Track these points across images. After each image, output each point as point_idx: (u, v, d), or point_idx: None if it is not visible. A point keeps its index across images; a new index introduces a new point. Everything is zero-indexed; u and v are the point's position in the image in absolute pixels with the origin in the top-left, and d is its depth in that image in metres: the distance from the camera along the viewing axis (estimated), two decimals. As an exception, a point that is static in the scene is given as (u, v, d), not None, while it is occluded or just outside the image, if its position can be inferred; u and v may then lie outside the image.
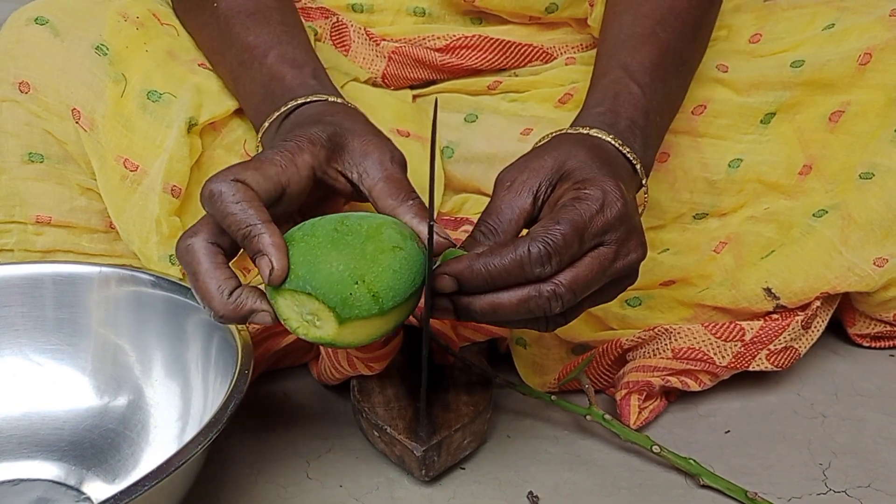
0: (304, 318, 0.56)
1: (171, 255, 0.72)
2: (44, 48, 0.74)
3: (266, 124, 0.68)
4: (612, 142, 0.64)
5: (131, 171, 0.72)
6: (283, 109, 0.67)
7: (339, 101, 0.67)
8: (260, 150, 0.69)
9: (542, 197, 0.60)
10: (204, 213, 0.74)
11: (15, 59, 0.74)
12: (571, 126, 0.66)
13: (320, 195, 0.64)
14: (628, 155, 0.64)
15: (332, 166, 0.62)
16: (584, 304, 0.59)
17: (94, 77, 0.73)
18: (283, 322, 0.57)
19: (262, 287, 0.58)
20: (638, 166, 0.65)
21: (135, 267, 0.73)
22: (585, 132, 0.64)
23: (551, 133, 0.66)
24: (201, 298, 0.57)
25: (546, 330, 0.60)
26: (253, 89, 0.72)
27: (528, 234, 0.57)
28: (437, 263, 0.58)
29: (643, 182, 0.66)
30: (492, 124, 0.82)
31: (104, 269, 0.72)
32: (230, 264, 0.59)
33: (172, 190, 0.72)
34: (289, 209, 0.61)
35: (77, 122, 0.73)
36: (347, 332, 0.56)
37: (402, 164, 0.62)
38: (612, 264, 0.58)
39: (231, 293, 0.56)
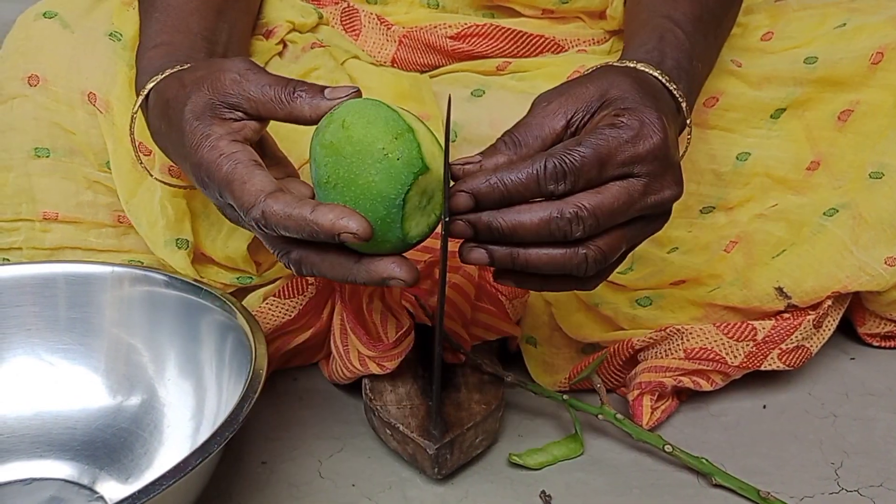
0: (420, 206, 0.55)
1: (177, 239, 0.72)
2: (54, 39, 0.74)
3: (133, 109, 0.67)
4: (660, 77, 0.63)
5: (145, 155, 0.72)
6: (140, 99, 0.66)
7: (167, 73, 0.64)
8: (133, 129, 0.68)
9: (577, 123, 0.58)
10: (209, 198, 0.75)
11: (24, 55, 0.75)
12: (618, 60, 0.65)
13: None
14: (675, 92, 0.63)
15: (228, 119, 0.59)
16: (617, 241, 0.57)
17: (109, 61, 0.74)
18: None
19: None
20: (683, 105, 0.63)
21: (148, 267, 0.73)
22: (633, 65, 0.63)
23: (596, 64, 0.64)
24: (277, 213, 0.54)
25: (583, 287, 0.58)
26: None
27: (549, 150, 0.56)
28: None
29: (688, 122, 0.65)
30: (498, 99, 0.80)
31: (117, 268, 0.72)
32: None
33: (170, 170, 0.72)
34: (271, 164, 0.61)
35: (94, 105, 0.73)
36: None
37: (251, 67, 0.60)
38: (643, 198, 0.56)
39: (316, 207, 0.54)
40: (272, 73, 0.59)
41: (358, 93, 0.57)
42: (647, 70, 0.63)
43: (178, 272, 0.72)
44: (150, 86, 0.64)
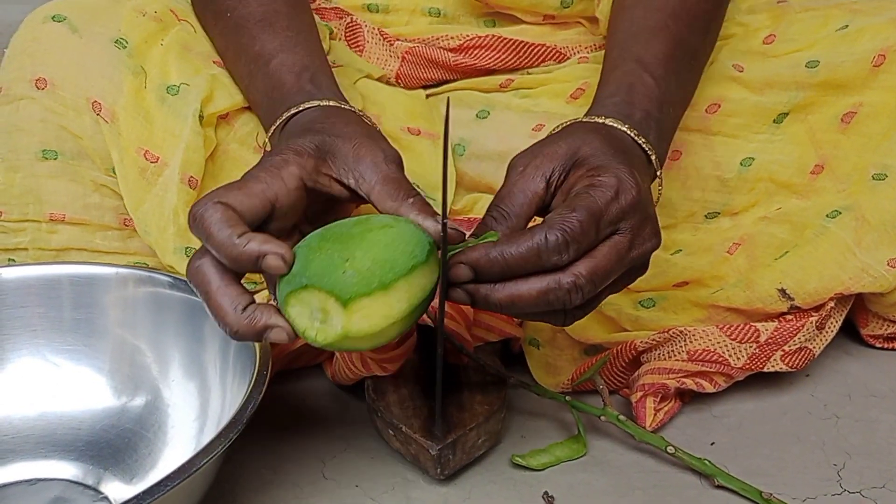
0: (315, 320, 0.55)
1: (186, 248, 0.72)
2: (62, 44, 0.74)
3: (269, 134, 0.68)
4: (628, 132, 0.63)
5: (152, 162, 0.72)
6: (279, 120, 0.67)
7: (333, 103, 0.66)
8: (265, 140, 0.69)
9: (555, 182, 0.59)
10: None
11: (32, 57, 0.75)
12: (586, 115, 0.65)
13: (322, 204, 0.63)
14: (644, 145, 0.64)
15: (323, 174, 0.61)
16: (601, 296, 0.59)
17: (114, 69, 0.74)
18: (300, 335, 0.56)
19: (273, 304, 0.57)
20: (653, 157, 0.64)
21: (152, 268, 0.73)
22: (601, 121, 0.64)
23: (565, 122, 0.65)
24: (215, 316, 0.56)
25: (563, 324, 0.60)
26: (258, 99, 0.72)
27: (543, 222, 0.56)
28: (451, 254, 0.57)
29: (658, 173, 0.65)
30: (503, 121, 0.82)
31: (121, 269, 0.72)
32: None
33: (189, 181, 0.72)
34: (285, 224, 0.60)
35: (98, 114, 0.73)
36: (358, 317, 0.54)
37: (398, 162, 0.61)
38: (629, 253, 0.58)
39: (244, 308, 0.55)
40: (393, 171, 0.60)
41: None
42: (615, 125, 0.63)
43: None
44: (294, 109, 0.66)
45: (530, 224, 0.59)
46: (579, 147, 0.60)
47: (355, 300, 0.53)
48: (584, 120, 0.65)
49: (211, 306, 0.56)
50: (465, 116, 0.81)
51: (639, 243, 0.58)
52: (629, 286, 0.76)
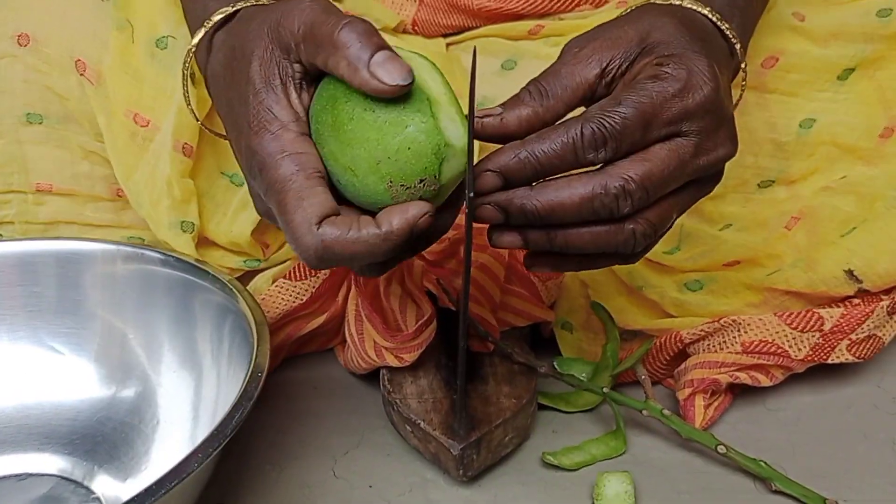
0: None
1: (182, 222, 0.67)
2: None
3: (195, 41, 0.59)
4: (710, 15, 0.56)
5: (142, 126, 0.67)
6: (211, 22, 0.58)
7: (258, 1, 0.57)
8: (189, 65, 0.61)
9: (613, 72, 0.52)
10: (220, 180, 0.69)
11: (14, 11, 0.70)
12: None
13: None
14: (727, 32, 0.56)
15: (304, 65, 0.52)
16: (668, 211, 0.51)
17: (98, 24, 0.68)
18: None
19: None
20: (738, 46, 0.57)
21: (144, 244, 0.69)
22: (678, 3, 0.56)
23: (635, 5, 0.58)
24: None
25: (634, 250, 0.51)
26: (188, 3, 0.64)
27: (583, 112, 0.50)
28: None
29: (742, 66, 0.58)
30: (532, 72, 0.73)
31: (108, 245, 0.68)
32: None
33: (184, 148, 0.66)
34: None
35: (82, 75, 0.68)
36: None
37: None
38: (694, 160, 0.50)
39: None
40: (328, 6, 0.51)
41: (406, 87, 0.48)
42: (694, 8, 0.56)
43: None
44: (217, 17, 0.57)
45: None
46: (649, 32, 0.52)
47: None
48: (659, 2, 0.57)
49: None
50: (489, 68, 0.74)
51: (708, 148, 0.51)
52: (672, 265, 0.70)
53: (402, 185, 0.48)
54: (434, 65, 0.51)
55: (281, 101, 0.51)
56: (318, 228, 0.48)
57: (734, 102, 0.57)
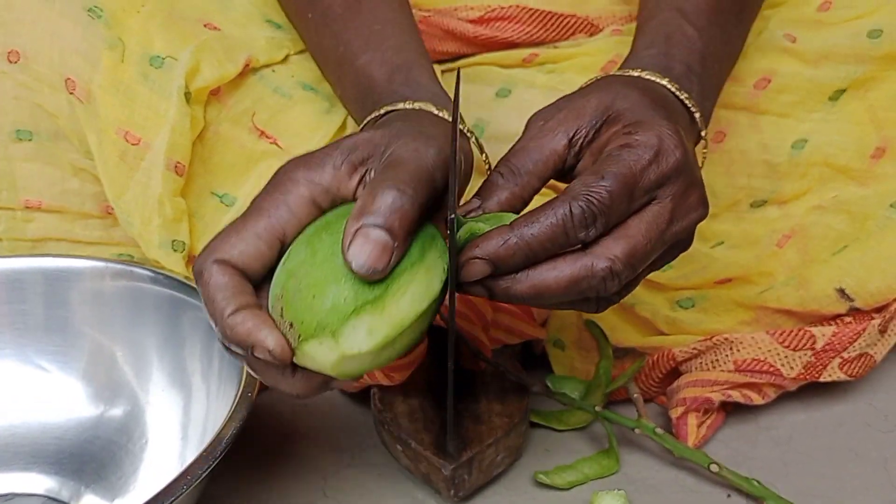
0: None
1: (173, 241, 0.66)
2: (35, 12, 0.68)
3: (368, 119, 0.59)
4: (668, 85, 0.56)
5: (133, 144, 0.67)
6: (368, 119, 0.58)
7: (421, 106, 0.57)
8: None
9: (580, 141, 0.52)
10: (210, 200, 0.69)
11: (4, 27, 0.69)
12: (619, 69, 0.58)
13: None
14: (686, 101, 0.56)
15: (353, 178, 0.51)
16: (639, 278, 0.52)
17: (88, 43, 0.67)
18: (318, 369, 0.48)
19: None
20: (697, 115, 0.57)
21: (135, 261, 0.68)
22: (636, 74, 0.56)
23: (594, 77, 0.58)
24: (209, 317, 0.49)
25: (596, 311, 0.52)
26: (351, 94, 0.64)
27: (565, 190, 0.49)
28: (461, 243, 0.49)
29: (702, 134, 0.58)
30: (526, 100, 0.74)
31: (97, 263, 0.67)
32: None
33: (176, 167, 0.66)
34: None
35: (72, 93, 0.67)
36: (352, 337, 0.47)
37: (437, 161, 0.50)
38: (670, 226, 0.50)
39: (235, 311, 0.47)
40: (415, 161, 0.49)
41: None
42: (653, 79, 0.56)
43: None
44: (388, 109, 0.57)
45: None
46: (613, 101, 0.52)
47: (344, 323, 0.46)
48: (617, 73, 0.57)
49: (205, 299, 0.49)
50: (483, 95, 0.74)
51: (681, 214, 0.51)
52: (664, 283, 0.70)
53: None
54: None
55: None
56: (211, 261, 0.48)
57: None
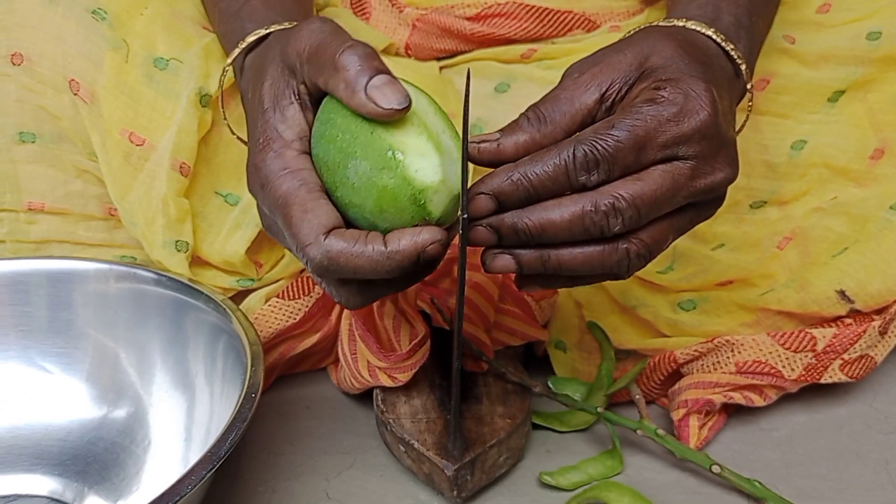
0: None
1: (177, 241, 0.67)
2: (38, 15, 0.68)
3: (230, 60, 0.61)
4: (714, 36, 0.55)
5: (137, 145, 0.67)
6: (237, 50, 0.60)
7: (285, 26, 0.58)
8: (223, 81, 0.63)
9: (612, 96, 0.52)
10: (214, 199, 0.69)
11: (6, 31, 0.69)
12: (665, 19, 0.57)
13: None
14: (732, 53, 0.56)
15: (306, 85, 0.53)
16: (663, 232, 0.51)
17: (92, 45, 0.67)
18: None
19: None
20: (743, 67, 0.56)
21: (137, 263, 0.68)
22: (681, 24, 0.56)
23: (639, 26, 0.57)
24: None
25: (628, 271, 0.51)
26: (227, 26, 0.65)
27: (576, 135, 0.50)
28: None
29: (748, 87, 0.57)
30: (525, 95, 0.74)
31: (101, 265, 0.67)
32: None
33: (181, 167, 0.66)
34: None
35: (76, 94, 0.67)
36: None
37: (329, 24, 0.52)
38: (690, 183, 0.50)
39: (385, 243, 0.48)
40: (335, 29, 0.52)
41: (403, 111, 0.49)
42: (698, 29, 0.55)
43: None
44: (250, 39, 0.58)
45: None
46: (648, 56, 0.52)
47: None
48: (662, 24, 0.57)
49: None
50: (482, 90, 0.74)
51: (705, 171, 0.50)
52: (665, 285, 0.69)
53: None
54: (422, 91, 0.51)
55: (286, 119, 0.52)
56: (324, 239, 0.48)
57: (740, 125, 0.57)
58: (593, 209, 0.48)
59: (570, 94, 0.51)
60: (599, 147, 0.48)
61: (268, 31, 0.59)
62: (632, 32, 0.56)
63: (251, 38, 0.59)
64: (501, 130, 0.51)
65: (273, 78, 0.53)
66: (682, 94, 0.50)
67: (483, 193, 0.49)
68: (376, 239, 0.48)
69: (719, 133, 0.50)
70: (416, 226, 0.48)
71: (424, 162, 0.48)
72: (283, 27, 0.58)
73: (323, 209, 0.49)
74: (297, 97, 0.53)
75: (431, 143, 0.49)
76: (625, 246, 0.50)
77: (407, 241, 0.48)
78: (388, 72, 0.49)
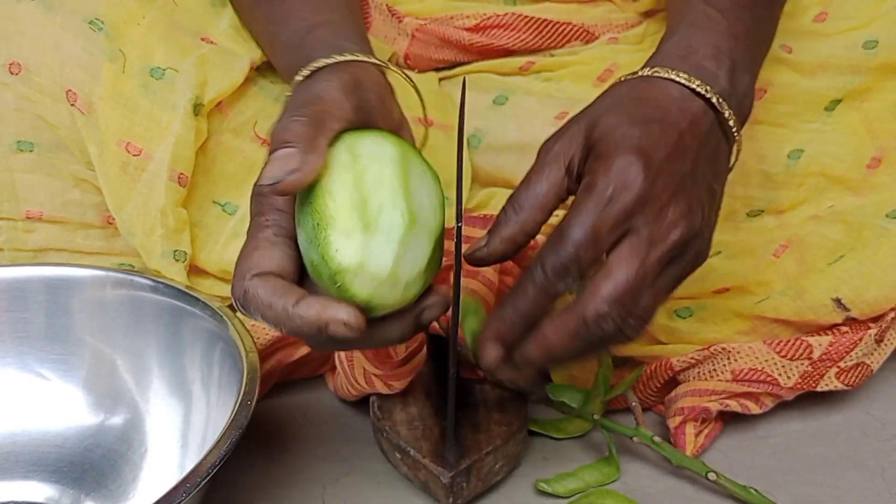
0: None
1: (175, 251, 0.67)
2: (37, 24, 0.69)
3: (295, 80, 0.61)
4: (677, 78, 0.56)
5: (134, 155, 0.67)
6: (307, 69, 0.59)
7: (360, 58, 0.59)
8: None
9: (575, 168, 0.54)
10: (212, 209, 0.69)
11: (5, 39, 0.69)
12: (641, 67, 0.59)
13: None
14: (698, 89, 0.56)
15: None
16: (650, 300, 0.53)
17: (90, 56, 0.68)
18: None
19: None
20: (715, 100, 0.56)
21: (135, 271, 0.68)
22: (647, 73, 0.57)
23: (621, 77, 0.59)
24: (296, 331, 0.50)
25: (629, 341, 0.54)
26: (289, 42, 0.66)
27: (536, 255, 0.53)
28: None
29: (726, 115, 0.57)
30: (523, 107, 0.75)
31: (98, 272, 0.67)
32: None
33: (179, 178, 0.66)
34: None
35: (73, 105, 0.68)
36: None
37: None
38: (652, 252, 0.52)
39: (297, 302, 0.49)
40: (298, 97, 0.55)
41: (279, 186, 0.50)
42: (660, 76, 0.57)
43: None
44: (317, 64, 0.59)
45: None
46: (594, 127, 0.54)
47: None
48: (628, 76, 0.58)
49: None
50: (480, 103, 0.75)
51: (660, 237, 0.52)
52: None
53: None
54: (406, 149, 0.51)
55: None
56: (249, 279, 0.50)
57: (732, 161, 0.59)
58: (585, 325, 0.51)
59: (539, 177, 0.54)
60: (562, 256, 0.51)
61: (338, 60, 0.59)
62: (603, 93, 0.58)
63: (318, 64, 0.59)
64: (488, 232, 0.55)
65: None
66: (612, 174, 0.52)
67: (489, 341, 0.53)
68: (292, 296, 0.49)
69: (659, 195, 0.52)
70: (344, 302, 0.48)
71: (346, 242, 0.48)
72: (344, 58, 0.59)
73: (268, 253, 0.51)
74: None
75: (361, 222, 0.48)
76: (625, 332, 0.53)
77: (314, 310, 0.48)
78: (305, 141, 0.50)
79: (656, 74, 0.57)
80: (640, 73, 0.57)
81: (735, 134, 0.59)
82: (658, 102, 0.55)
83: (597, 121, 0.54)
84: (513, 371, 0.55)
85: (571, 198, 0.54)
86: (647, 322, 0.53)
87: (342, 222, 0.48)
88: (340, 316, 0.48)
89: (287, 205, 0.53)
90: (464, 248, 0.55)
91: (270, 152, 0.51)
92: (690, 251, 0.54)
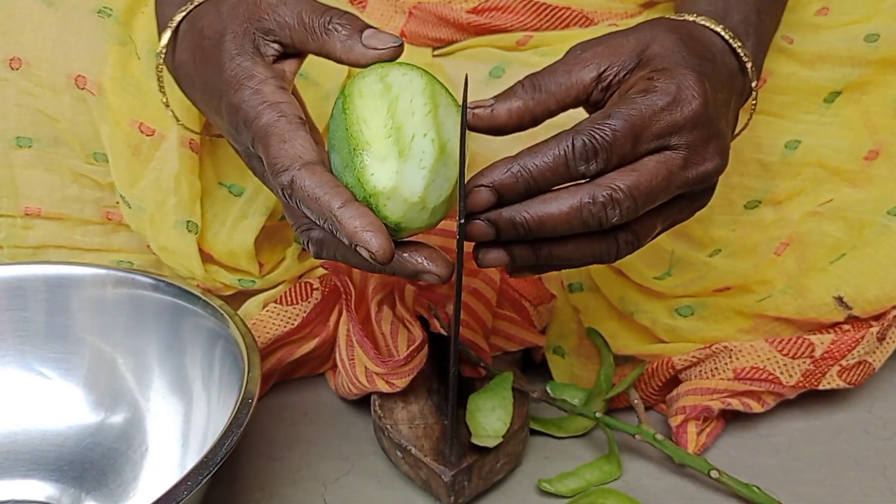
0: None
1: (188, 222, 0.67)
2: (37, 19, 0.69)
3: (163, 42, 0.61)
4: (722, 33, 0.56)
5: (148, 135, 0.67)
6: (174, 22, 0.60)
7: None
8: (161, 69, 0.62)
9: (609, 78, 0.52)
10: (218, 191, 0.69)
11: (5, 36, 0.69)
12: (676, 12, 0.58)
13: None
14: (739, 50, 0.56)
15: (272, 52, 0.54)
16: (653, 222, 0.52)
17: (98, 41, 0.68)
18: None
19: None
20: (749, 65, 0.56)
21: (135, 269, 0.68)
22: (691, 19, 0.56)
23: (649, 19, 0.58)
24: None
25: (616, 258, 0.52)
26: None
27: (574, 126, 0.50)
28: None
29: (753, 85, 0.58)
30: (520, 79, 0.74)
31: (99, 270, 0.67)
32: None
33: (191, 143, 0.67)
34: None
35: (83, 89, 0.68)
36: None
37: None
38: (682, 172, 0.50)
39: (343, 205, 0.47)
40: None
41: (400, 48, 0.51)
42: (706, 25, 0.56)
43: (173, 269, 0.67)
44: (178, 17, 0.59)
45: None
46: (649, 44, 0.53)
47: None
48: (671, 17, 0.57)
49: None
50: (477, 75, 0.73)
51: (696, 162, 0.51)
52: (663, 291, 0.69)
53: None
54: (429, 78, 0.51)
55: (257, 62, 0.53)
56: (298, 169, 0.48)
57: (743, 125, 0.58)
58: (591, 201, 0.49)
59: (568, 68, 0.52)
60: (598, 136, 0.49)
61: (194, 4, 0.58)
62: (640, 23, 0.56)
63: (179, 16, 0.59)
64: (497, 97, 0.52)
65: (234, 33, 0.54)
66: (674, 84, 0.50)
67: (483, 186, 0.49)
68: (339, 197, 0.47)
69: (710, 123, 0.51)
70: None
71: (381, 166, 0.48)
72: None
73: (300, 140, 0.50)
74: (264, 50, 0.54)
75: (396, 148, 0.49)
76: (614, 235, 0.51)
77: (355, 222, 0.47)
78: (371, 26, 0.52)
79: (703, 23, 0.56)
80: (683, 16, 0.56)
81: (753, 105, 0.59)
82: (707, 46, 0.55)
83: (653, 39, 0.53)
84: (500, 253, 0.51)
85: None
86: (641, 242, 0.52)
87: (377, 148, 0.49)
88: (371, 246, 0.47)
89: (284, 94, 0.52)
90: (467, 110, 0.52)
91: (353, 35, 0.51)
92: (706, 192, 0.54)
